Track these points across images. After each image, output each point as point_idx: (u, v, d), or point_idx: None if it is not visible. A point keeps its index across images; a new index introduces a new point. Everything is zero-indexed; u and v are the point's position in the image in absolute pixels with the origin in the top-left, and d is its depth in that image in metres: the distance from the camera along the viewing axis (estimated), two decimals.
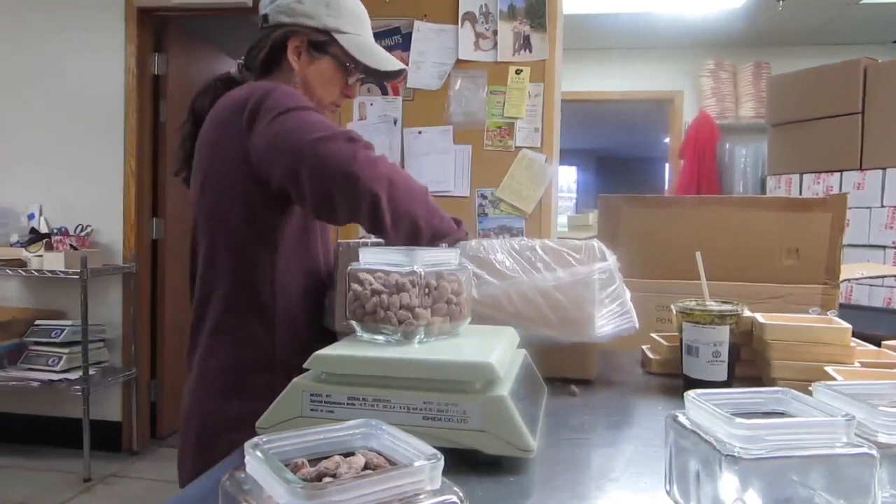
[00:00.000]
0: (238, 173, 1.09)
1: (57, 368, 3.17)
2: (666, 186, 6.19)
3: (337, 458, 0.46)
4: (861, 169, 3.33)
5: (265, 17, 1.22)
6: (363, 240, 1.17)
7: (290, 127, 1.04)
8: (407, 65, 2.82)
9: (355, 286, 0.79)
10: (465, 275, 0.83)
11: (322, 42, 1.20)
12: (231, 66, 1.29)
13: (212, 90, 1.23)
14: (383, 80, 1.21)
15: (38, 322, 3.30)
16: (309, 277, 1.16)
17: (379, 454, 0.48)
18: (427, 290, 0.76)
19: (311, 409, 0.70)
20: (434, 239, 1.08)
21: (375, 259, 0.79)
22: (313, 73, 1.21)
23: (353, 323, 0.80)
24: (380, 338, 0.77)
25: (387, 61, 1.25)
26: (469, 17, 2.79)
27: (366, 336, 0.79)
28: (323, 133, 1.03)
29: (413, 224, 1.06)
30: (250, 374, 1.11)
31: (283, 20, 1.19)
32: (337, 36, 1.20)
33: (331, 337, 1.05)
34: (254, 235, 1.11)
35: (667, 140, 5.75)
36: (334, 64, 1.22)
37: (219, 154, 1.11)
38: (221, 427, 1.09)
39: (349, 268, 0.81)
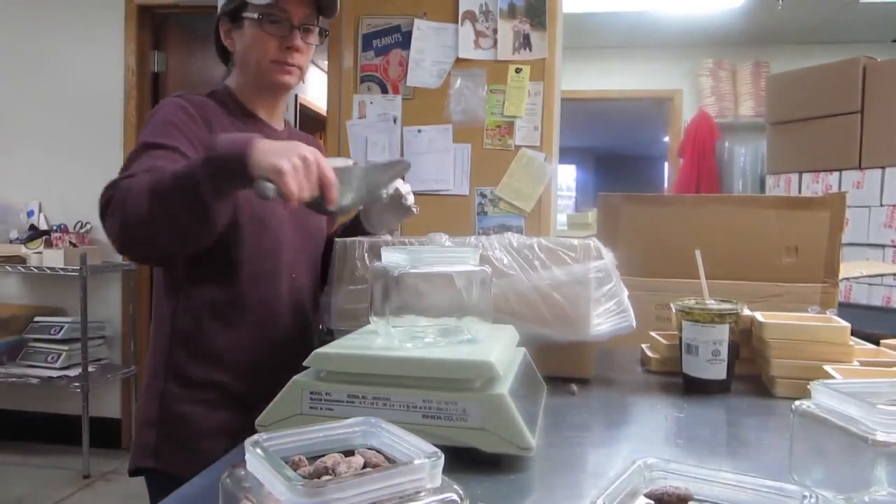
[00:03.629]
0: None
1: (56, 365, 3.16)
2: (665, 185, 6.19)
3: (336, 456, 0.46)
4: (860, 168, 3.33)
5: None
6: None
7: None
8: (407, 64, 2.83)
9: (380, 283, 0.76)
10: (484, 276, 0.81)
11: (234, 10, 1.15)
12: None
13: None
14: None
15: (37, 319, 3.29)
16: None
17: (378, 452, 0.48)
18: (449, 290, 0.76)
19: (311, 407, 0.70)
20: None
21: (397, 258, 0.77)
22: (239, 45, 1.17)
23: (376, 319, 0.78)
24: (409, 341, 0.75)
25: None
26: (469, 15, 2.78)
27: (394, 332, 0.76)
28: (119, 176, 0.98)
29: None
30: None
31: (218, 12, 1.19)
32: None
33: None
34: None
35: (666, 139, 5.74)
36: (251, 24, 1.14)
37: None
38: None
39: (373, 265, 0.80)
